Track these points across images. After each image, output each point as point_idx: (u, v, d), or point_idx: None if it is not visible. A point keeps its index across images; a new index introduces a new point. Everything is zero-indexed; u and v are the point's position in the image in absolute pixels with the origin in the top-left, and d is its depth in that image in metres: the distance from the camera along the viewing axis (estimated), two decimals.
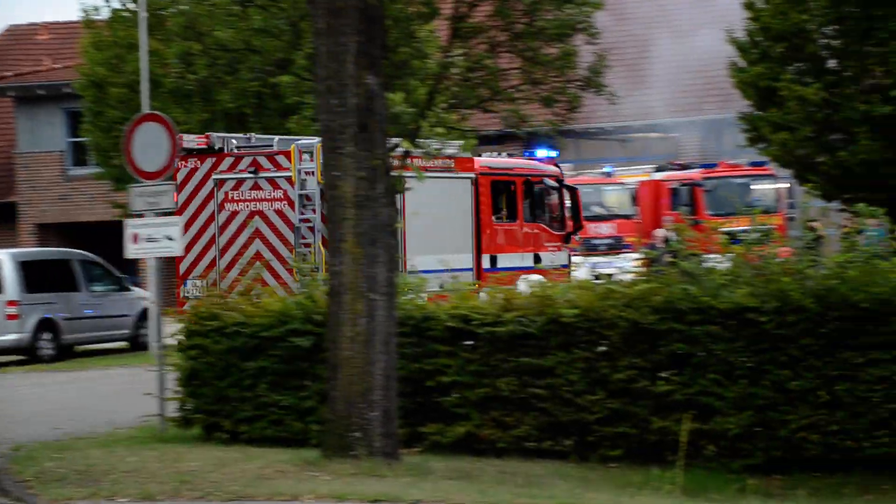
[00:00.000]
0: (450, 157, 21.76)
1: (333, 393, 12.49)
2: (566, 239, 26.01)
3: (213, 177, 20.29)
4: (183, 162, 20.06)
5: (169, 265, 22.40)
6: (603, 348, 13.47)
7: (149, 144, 15.97)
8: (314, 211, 19.60)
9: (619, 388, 13.35)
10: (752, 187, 34.24)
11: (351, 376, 12.33)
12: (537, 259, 24.62)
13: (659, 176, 36.36)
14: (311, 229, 19.57)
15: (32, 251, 28.42)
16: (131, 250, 15.96)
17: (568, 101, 19.29)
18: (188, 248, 19.74)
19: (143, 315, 26.85)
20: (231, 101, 25.06)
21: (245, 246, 19.74)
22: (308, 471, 12.06)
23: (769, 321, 12.79)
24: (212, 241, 20.25)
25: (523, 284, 13.96)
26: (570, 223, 26.25)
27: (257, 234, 19.91)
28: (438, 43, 20.21)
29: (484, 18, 19.26)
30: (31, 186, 40.17)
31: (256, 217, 19.89)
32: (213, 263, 20.08)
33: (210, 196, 20.26)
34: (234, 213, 20.17)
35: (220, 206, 20.27)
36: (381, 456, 12.26)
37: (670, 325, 13.17)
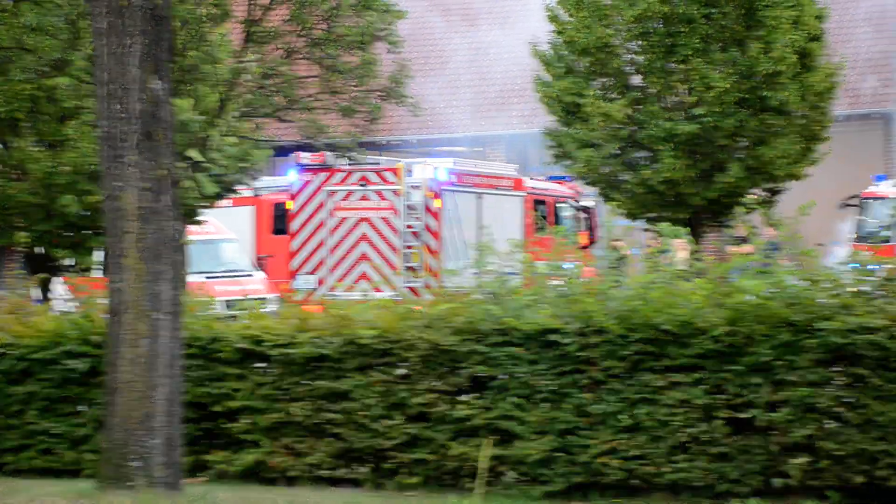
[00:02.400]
0: (508, 176, 26.49)
1: (111, 419, 12.44)
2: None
3: (325, 188, 24.08)
4: (303, 176, 24.16)
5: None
6: (402, 371, 13.65)
7: None
8: (418, 219, 23.53)
9: (418, 413, 13.55)
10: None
11: (131, 401, 12.30)
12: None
13: None
14: (415, 234, 23.36)
15: None
16: None
17: (368, 112, 19.67)
18: (300, 247, 24.21)
19: None
20: (1, 105, 24.55)
21: (352, 247, 23.88)
22: None
23: (571, 343, 13.08)
24: (321, 243, 24.15)
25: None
26: (586, 238, 30.34)
27: (364, 238, 23.92)
28: (231, 48, 20.60)
29: (280, 23, 19.47)
30: None
31: (363, 223, 23.80)
32: (321, 262, 23.89)
33: (321, 204, 24.06)
34: (343, 220, 24.08)
35: (331, 213, 24.13)
36: (163, 486, 12.24)
37: (471, 346, 13.40)
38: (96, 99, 12.66)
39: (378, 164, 24.34)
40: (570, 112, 29.98)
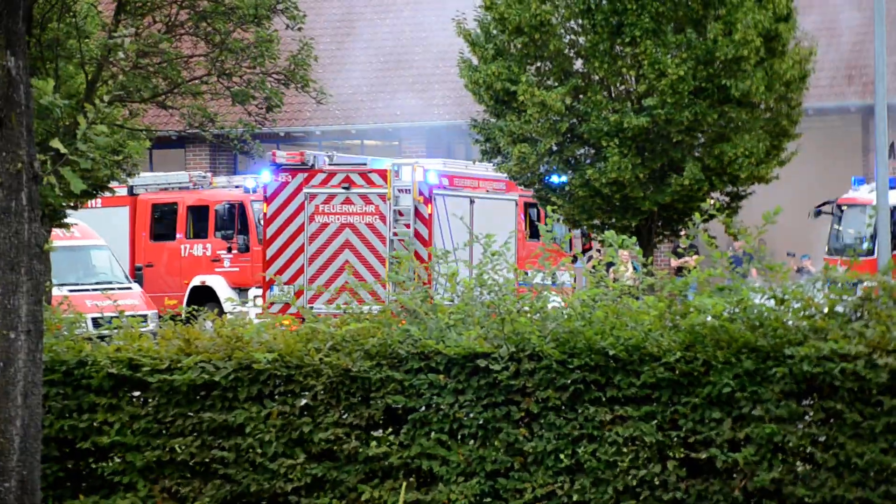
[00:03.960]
0: (500, 178, 27.00)
1: None
2: None
3: (305, 190, 24.72)
4: (280, 176, 24.67)
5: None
6: (304, 401, 13.33)
7: None
8: (407, 226, 24.19)
9: (324, 450, 13.21)
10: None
11: None
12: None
13: None
14: (402, 242, 23.59)
15: None
16: None
17: (265, 99, 19.34)
18: (276, 255, 24.88)
19: None
20: None
21: (334, 255, 24.43)
22: None
23: (503, 370, 12.72)
24: (300, 249, 24.71)
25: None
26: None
27: (347, 244, 24.53)
28: (101, 20, 19.94)
29: None
30: None
31: (348, 229, 24.47)
32: (300, 270, 24.43)
33: (300, 208, 24.71)
34: (325, 225, 24.65)
35: (311, 218, 24.78)
36: None
37: (386, 373, 13.05)
38: None
39: (364, 164, 25.00)
40: (501, 101, 29.52)
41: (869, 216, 28.41)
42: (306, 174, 24.59)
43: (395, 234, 24.24)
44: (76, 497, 13.59)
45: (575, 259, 21.38)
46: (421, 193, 24.40)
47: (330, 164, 24.78)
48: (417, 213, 23.85)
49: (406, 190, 24.31)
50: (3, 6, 11.63)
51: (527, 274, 15.65)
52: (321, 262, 24.30)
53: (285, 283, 23.55)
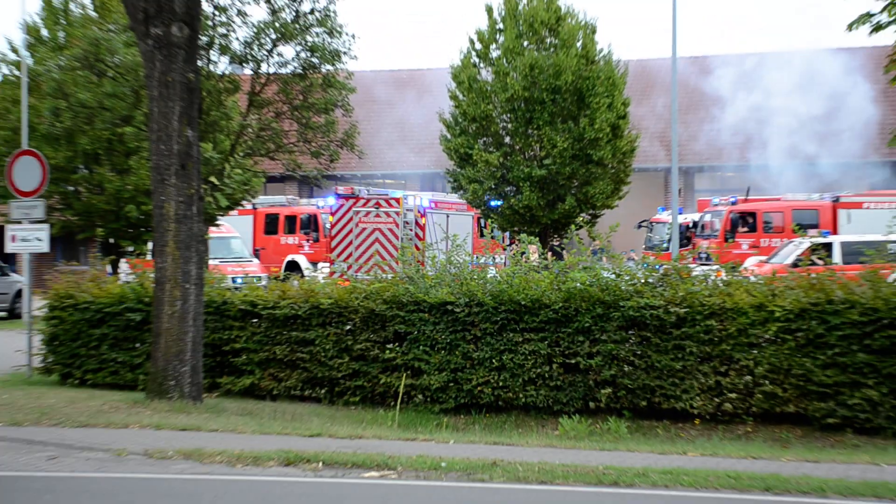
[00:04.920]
0: (462, 203, 26.77)
1: (156, 353, 12.31)
2: None
3: (354, 209, 24.24)
4: (339, 201, 24.38)
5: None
6: (349, 327, 13.48)
7: (25, 172, 15.65)
8: (410, 230, 23.86)
9: (358, 355, 13.39)
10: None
11: (169, 342, 12.17)
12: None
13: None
14: (409, 240, 23.40)
15: None
16: (10, 247, 15.67)
17: (329, 155, 19.60)
18: (336, 245, 24.07)
19: (18, 294, 26.57)
20: (88, 145, 24.37)
21: (368, 247, 23.90)
22: (136, 408, 11.89)
23: (461, 311, 12.97)
24: (350, 242, 24.18)
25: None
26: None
27: (377, 240, 24.02)
28: (239, 110, 20.04)
29: (272, 94, 19.32)
30: None
31: (377, 231, 24.03)
32: (349, 255, 23.92)
33: (351, 219, 24.22)
34: (363, 229, 24.14)
35: (356, 225, 24.21)
36: (190, 399, 12.16)
37: (395, 312, 13.25)
38: (150, 142, 12.40)
39: (386, 194, 24.86)
40: (463, 159, 29.96)
41: (668, 229, 28.67)
42: (354, 199, 24.24)
43: (404, 234, 24.08)
44: (221, 377, 13.91)
45: (504, 249, 21.72)
46: (419, 211, 24.04)
47: (367, 195, 24.51)
48: (417, 223, 23.42)
49: (410, 209, 24.14)
50: (187, 103, 12.10)
51: (476, 257, 15.90)
52: (361, 250, 23.86)
53: (340, 261, 23.40)
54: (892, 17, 13.73)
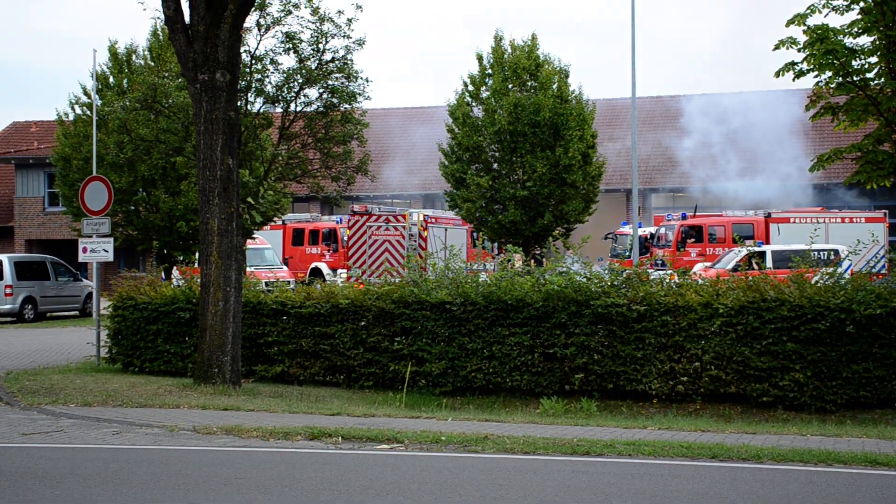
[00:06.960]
0: (458, 218, 26.29)
1: (202, 345, 12.28)
2: None
3: (367, 224, 23.94)
4: (355, 217, 23.97)
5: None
6: (363, 323, 13.44)
7: (95, 194, 15.81)
8: (415, 241, 23.63)
9: (371, 346, 13.35)
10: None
11: (213, 336, 12.14)
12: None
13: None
14: (414, 250, 23.29)
15: (22, 256, 27.28)
16: (82, 257, 15.77)
17: (347, 179, 19.63)
18: (353, 254, 23.69)
19: (89, 296, 26.84)
20: (146, 172, 24.70)
21: (380, 255, 23.65)
22: (185, 391, 11.89)
23: (458, 309, 12.94)
24: (364, 251, 23.82)
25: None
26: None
27: (387, 250, 23.75)
28: (272, 141, 20.07)
29: (299, 129, 19.41)
30: (23, 217, 38.92)
31: (387, 242, 23.78)
32: (364, 262, 23.52)
33: (365, 232, 23.85)
34: (376, 241, 23.81)
35: (370, 237, 23.87)
36: (230, 384, 12.13)
37: (402, 310, 13.22)
38: (197, 169, 12.39)
39: (394, 211, 24.65)
40: (458, 182, 29.90)
41: (629, 240, 28.65)
42: (367, 216, 23.98)
43: (410, 245, 23.97)
44: (256, 365, 13.85)
45: (493, 258, 21.62)
46: (422, 226, 23.82)
47: (378, 212, 24.29)
48: (420, 235, 23.24)
49: (414, 224, 23.94)
50: (228, 136, 12.07)
51: (470, 264, 15.78)
52: (373, 258, 23.57)
53: (357, 268, 22.99)
54: (810, 66, 13.85)
